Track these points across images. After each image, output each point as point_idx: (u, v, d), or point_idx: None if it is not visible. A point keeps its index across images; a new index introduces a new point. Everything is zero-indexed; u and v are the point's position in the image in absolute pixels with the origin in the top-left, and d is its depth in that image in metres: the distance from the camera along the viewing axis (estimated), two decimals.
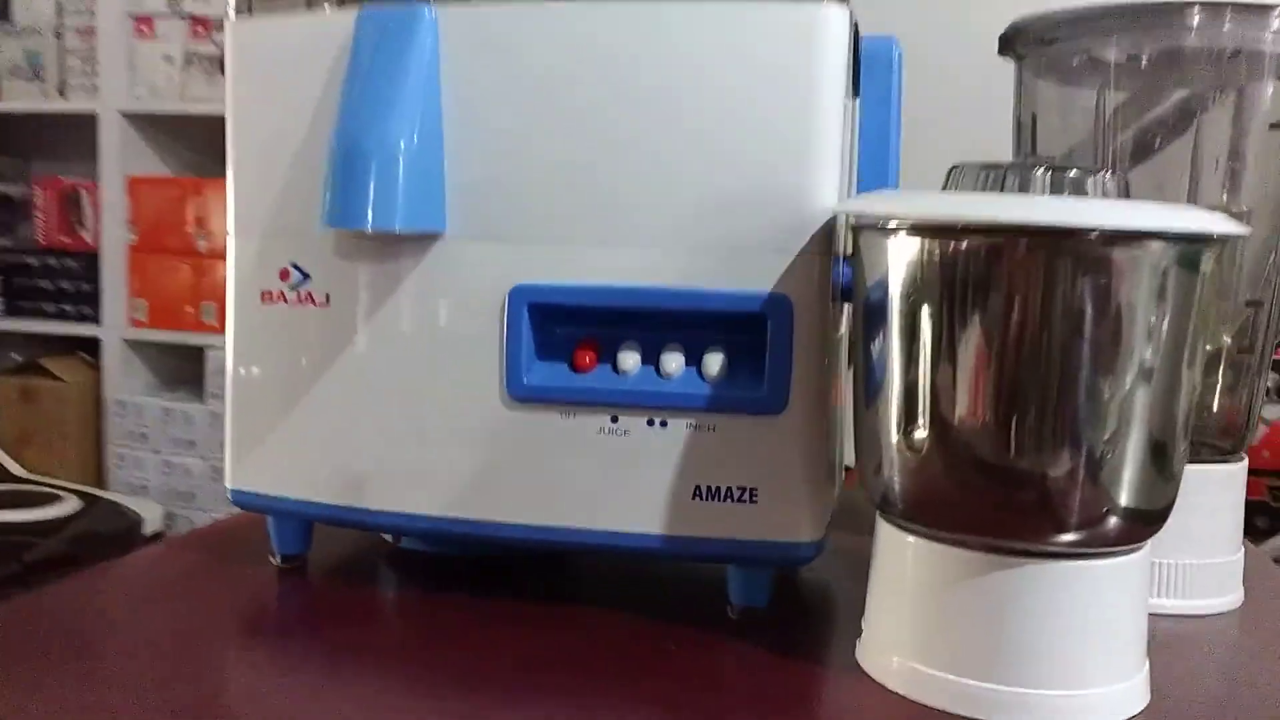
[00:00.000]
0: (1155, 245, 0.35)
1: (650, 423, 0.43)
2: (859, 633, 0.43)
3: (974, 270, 0.37)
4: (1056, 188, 0.38)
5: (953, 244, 0.37)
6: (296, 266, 0.46)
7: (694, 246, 0.43)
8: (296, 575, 0.49)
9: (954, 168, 0.42)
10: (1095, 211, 0.35)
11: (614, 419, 0.44)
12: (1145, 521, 0.37)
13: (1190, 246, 0.35)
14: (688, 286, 0.43)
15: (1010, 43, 0.53)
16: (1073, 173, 0.38)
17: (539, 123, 0.43)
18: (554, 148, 0.43)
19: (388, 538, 0.53)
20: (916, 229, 0.38)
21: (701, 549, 0.44)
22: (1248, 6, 0.47)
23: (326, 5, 0.46)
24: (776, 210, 0.42)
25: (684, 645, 0.43)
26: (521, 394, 0.44)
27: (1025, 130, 0.55)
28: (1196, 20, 0.48)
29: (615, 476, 0.44)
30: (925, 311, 0.39)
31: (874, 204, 0.40)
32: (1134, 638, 0.38)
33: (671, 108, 0.42)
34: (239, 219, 0.48)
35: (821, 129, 0.42)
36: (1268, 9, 0.47)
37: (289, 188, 0.46)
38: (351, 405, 0.46)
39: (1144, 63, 0.50)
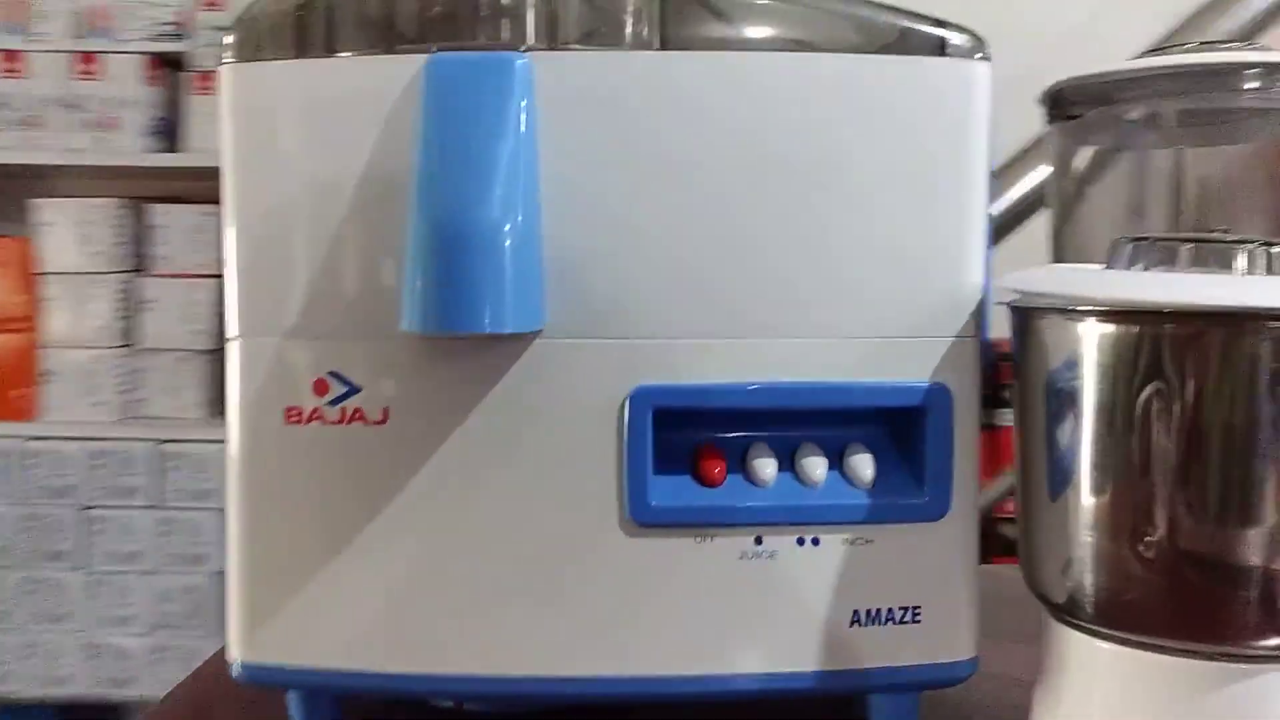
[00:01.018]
0: None
1: (800, 541, 0.37)
2: None
3: (1187, 356, 0.34)
4: (1220, 263, 0.35)
5: (1160, 329, 0.34)
6: (339, 376, 0.37)
7: (836, 335, 0.37)
8: None
9: (1118, 240, 0.38)
10: None
11: (758, 540, 0.37)
12: None
13: None
14: (834, 380, 0.37)
15: (1060, 102, 0.51)
16: (1252, 245, 0.35)
17: (652, 195, 0.37)
18: (671, 225, 0.37)
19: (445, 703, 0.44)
20: (1116, 315, 0.35)
21: (861, 681, 0.38)
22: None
23: (348, 50, 0.37)
24: (929, 290, 0.37)
25: None
26: (647, 518, 0.37)
27: (1065, 194, 0.53)
28: (1253, 81, 0.48)
29: (761, 608, 0.37)
30: (1126, 399, 0.35)
31: (1067, 286, 0.36)
32: None
33: (809, 177, 0.37)
34: (246, 316, 0.38)
35: (976, 197, 0.37)
36: None
37: (324, 279, 0.37)
38: (420, 546, 0.37)
39: (1200, 121, 0.49)
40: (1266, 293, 0.33)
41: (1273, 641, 0.34)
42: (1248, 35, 0.79)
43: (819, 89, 0.37)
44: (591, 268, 0.36)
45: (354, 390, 0.37)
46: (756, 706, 0.41)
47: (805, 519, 0.37)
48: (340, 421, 0.37)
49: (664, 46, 0.37)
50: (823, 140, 0.37)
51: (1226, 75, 0.48)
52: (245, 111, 0.37)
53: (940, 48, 0.37)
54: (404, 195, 0.36)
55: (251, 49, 0.37)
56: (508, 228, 0.34)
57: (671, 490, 0.37)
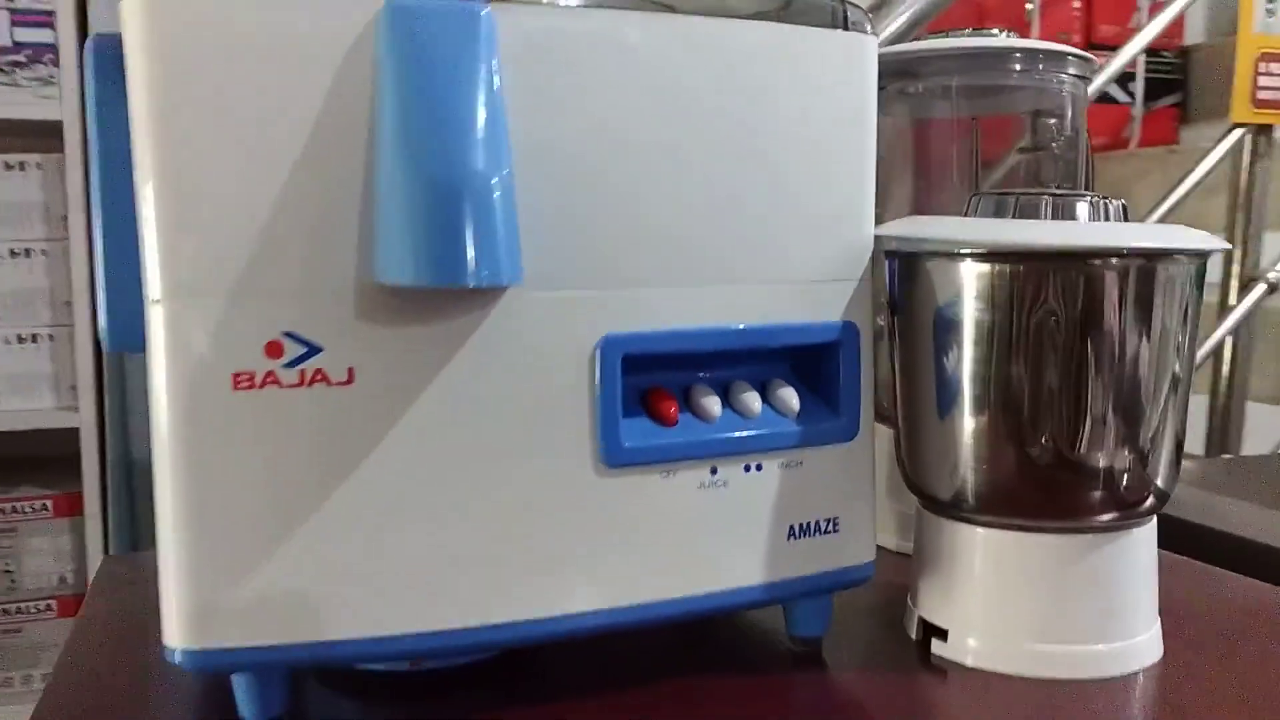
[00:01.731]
0: (1184, 260, 0.42)
1: (746, 469, 0.41)
2: (899, 632, 0.45)
3: (1045, 289, 0.41)
4: (1061, 213, 0.43)
5: (1025, 267, 0.41)
6: (296, 337, 0.35)
7: (767, 280, 0.41)
8: None
9: (973, 195, 0.45)
10: (1155, 234, 0.42)
11: (713, 470, 0.40)
12: (1165, 499, 0.45)
13: (1200, 262, 0.43)
14: (771, 323, 0.41)
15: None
16: (1086, 196, 0.44)
17: (609, 150, 0.38)
18: (627, 178, 0.38)
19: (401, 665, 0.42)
20: (992, 255, 0.41)
21: (798, 588, 0.43)
22: (1051, 53, 0.57)
23: None
24: (838, 239, 0.42)
25: (772, 685, 0.41)
26: (620, 459, 0.38)
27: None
28: (1018, 64, 0.57)
29: (716, 532, 0.41)
30: (999, 328, 0.42)
31: (952, 230, 0.42)
32: (1154, 592, 0.45)
33: (741, 133, 0.40)
34: (175, 277, 0.34)
35: (869, 158, 0.43)
36: (1062, 56, 0.57)
37: (270, 233, 0.34)
38: (394, 504, 0.36)
39: (981, 95, 0.58)
40: (1107, 234, 0.41)
41: (1110, 516, 0.43)
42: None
43: (743, 53, 0.40)
44: (555, 221, 0.37)
45: (314, 350, 0.35)
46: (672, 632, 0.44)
47: (749, 448, 0.41)
48: (300, 384, 0.35)
49: (607, 5, 0.38)
50: (746, 102, 0.40)
51: (997, 57, 0.57)
52: (166, 47, 0.34)
53: (843, 21, 0.41)
54: (358, 143, 0.35)
55: None
56: (496, 180, 0.34)
57: (640, 431, 0.39)
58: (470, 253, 0.33)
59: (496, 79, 0.35)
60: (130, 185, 0.38)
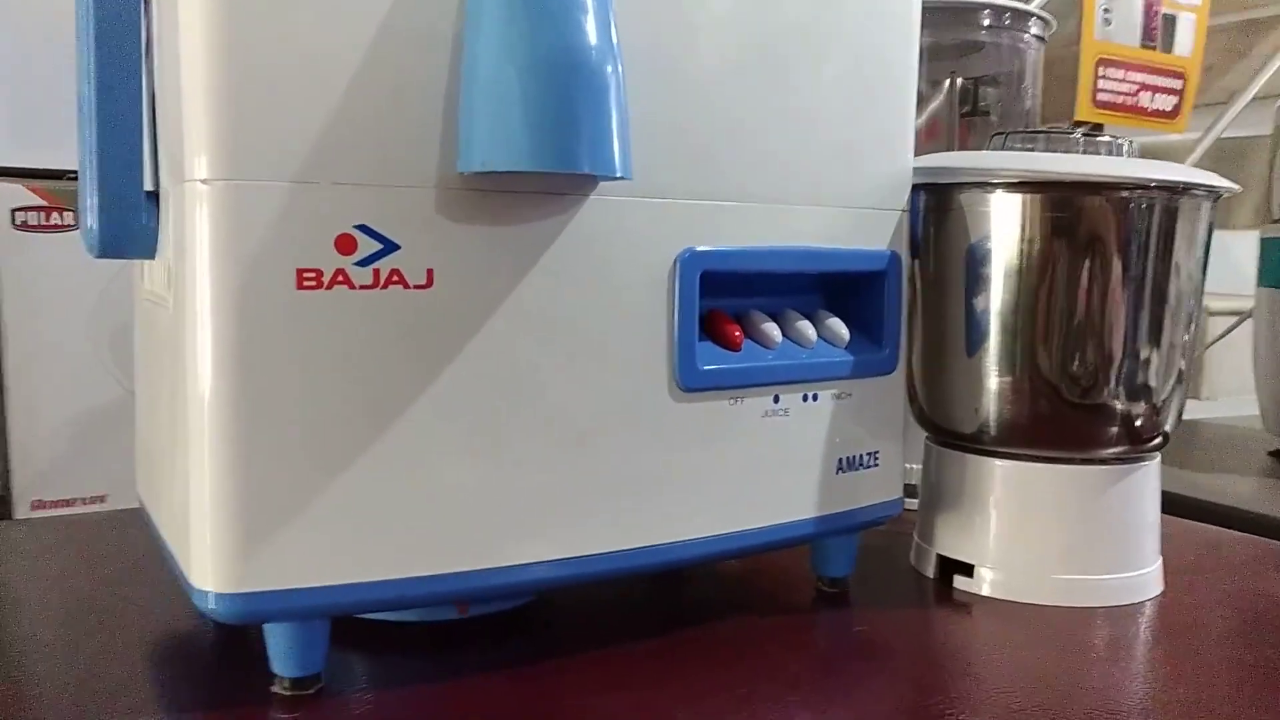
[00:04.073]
0: (1205, 197, 0.44)
1: (804, 398, 0.40)
2: (910, 570, 0.46)
3: (1078, 221, 0.42)
4: (1091, 149, 0.45)
5: (1059, 198, 0.42)
6: (370, 231, 0.31)
7: (830, 203, 0.40)
8: (315, 703, 0.33)
9: (995, 133, 0.46)
10: (1174, 170, 0.43)
11: (775, 399, 0.39)
12: (1168, 436, 0.47)
13: (1214, 199, 0.45)
14: (832, 246, 0.40)
15: None
16: (1103, 137, 0.45)
17: (697, 60, 0.36)
18: (711, 88, 0.36)
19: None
20: (1027, 186, 0.42)
21: (844, 522, 0.42)
22: (1018, 11, 0.59)
23: None
24: (886, 165, 0.42)
25: (808, 625, 0.41)
26: (695, 383, 0.36)
27: None
28: (986, 19, 0.59)
29: (775, 463, 0.39)
30: (1031, 261, 0.43)
31: (993, 162, 0.43)
32: (1158, 525, 0.47)
33: (810, 55, 0.39)
34: (232, 155, 0.30)
35: (912, 93, 0.42)
36: (1027, 15, 0.59)
37: (349, 109, 0.30)
38: (469, 424, 0.33)
39: (959, 52, 0.59)
40: (1138, 168, 0.42)
41: (1123, 448, 0.44)
42: None
43: None
44: (641, 125, 0.35)
45: (392, 247, 0.31)
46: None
47: (807, 376, 0.40)
48: (373, 285, 0.31)
49: None
50: (813, 24, 0.39)
51: (967, 13, 0.58)
52: None
53: None
54: (447, 21, 0.31)
55: None
56: (610, 70, 0.31)
57: (711, 356, 0.37)
58: (585, 139, 0.30)
59: None
60: (132, 59, 0.33)
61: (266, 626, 0.32)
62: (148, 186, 0.35)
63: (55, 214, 1.16)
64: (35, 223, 1.18)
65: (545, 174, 0.31)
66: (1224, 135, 1.04)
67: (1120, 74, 1.46)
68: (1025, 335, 0.43)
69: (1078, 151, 0.44)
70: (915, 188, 0.44)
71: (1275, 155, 0.85)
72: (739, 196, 0.37)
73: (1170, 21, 1.53)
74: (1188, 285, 0.44)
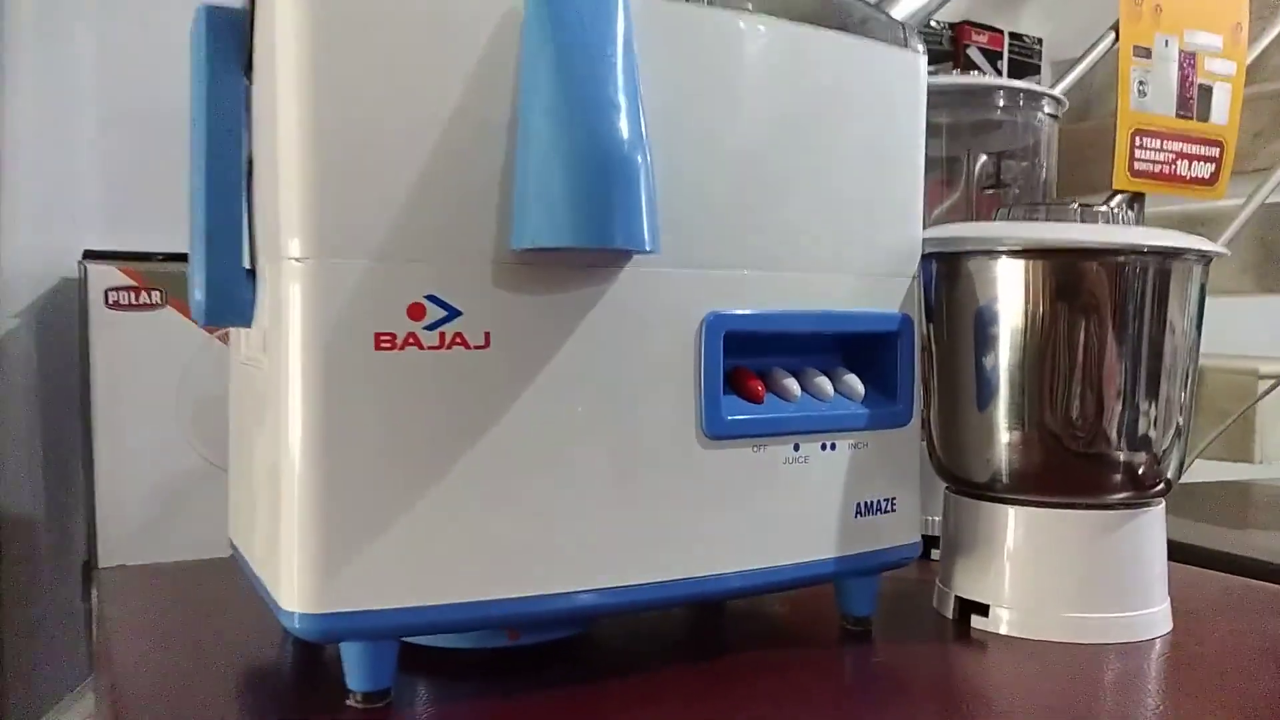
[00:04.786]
0: (1196, 260, 0.48)
1: (823, 447, 0.44)
2: (932, 613, 0.49)
3: (1078, 285, 0.46)
4: (1089, 218, 0.49)
5: (1060, 263, 0.46)
6: (438, 300, 0.36)
7: (846, 270, 0.44)
8: (384, 715, 0.37)
9: (1000, 209, 0.50)
10: (1167, 236, 0.47)
11: (795, 447, 0.43)
12: (1170, 484, 0.50)
13: (1205, 263, 0.49)
14: (848, 309, 0.44)
15: None
16: (1100, 206, 0.49)
17: (716, 138, 0.41)
18: (736, 168, 0.41)
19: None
20: (1030, 253, 0.46)
21: (862, 564, 0.45)
22: (1031, 92, 0.64)
23: None
24: (896, 235, 0.46)
25: (832, 661, 0.44)
26: (721, 431, 0.41)
27: None
28: (1001, 100, 0.64)
29: (796, 505, 0.43)
30: (1035, 322, 0.47)
31: (997, 231, 0.47)
32: (1165, 567, 0.50)
33: (826, 134, 0.44)
34: (322, 237, 0.35)
35: (920, 162, 0.47)
36: (1039, 95, 0.64)
37: (417, 200, 0.36)
38: (521, 467, 0.37)
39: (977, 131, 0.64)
40: (1131, 235, 0.46)
41: (1128, 494, 0.48)
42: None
43: (831, 60, 0.43)
44: (678, 203, 0.40)
45: (455, 314, 0.36)
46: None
47: (825, 427, 0.44)
48: (440, 347, 0.36)
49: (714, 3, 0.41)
50: (830, 104, 0.44)
51: (984, 94, 0.63)
52: (326, 14, 0.35)
53: (904, 40, 0.46)
54: (502, 116, 0.36)
55: None
56: (641, 157, 0.36)
57: (735, 407, 0.41)
58: (619, 219, 0.35)
59: (632, 60, 0.37)
60: (235, 157, 0.39)
61: (343, 645, 0.37)
62: (246, 265, 0.41)
63: (144, 293, 1.25)
64: (126, 302, 1.27)
65: (585, 249, 0.36)
66: (1270, 200, 1.06)
67: (1157, 143, 1.50)
68: (1032, 391, 0.47)
69: (1076, 220, 0.48)
70: (928, 256, 0.49)
71: None
72: (759, 265, 0.42)
73: (1206, 91, 1.57)
74: (1182, 343, 0.48)
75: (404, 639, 0.38)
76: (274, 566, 0.37)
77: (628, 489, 0.39)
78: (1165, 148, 1.53)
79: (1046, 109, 0.64)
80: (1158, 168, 1.53)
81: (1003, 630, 0.48)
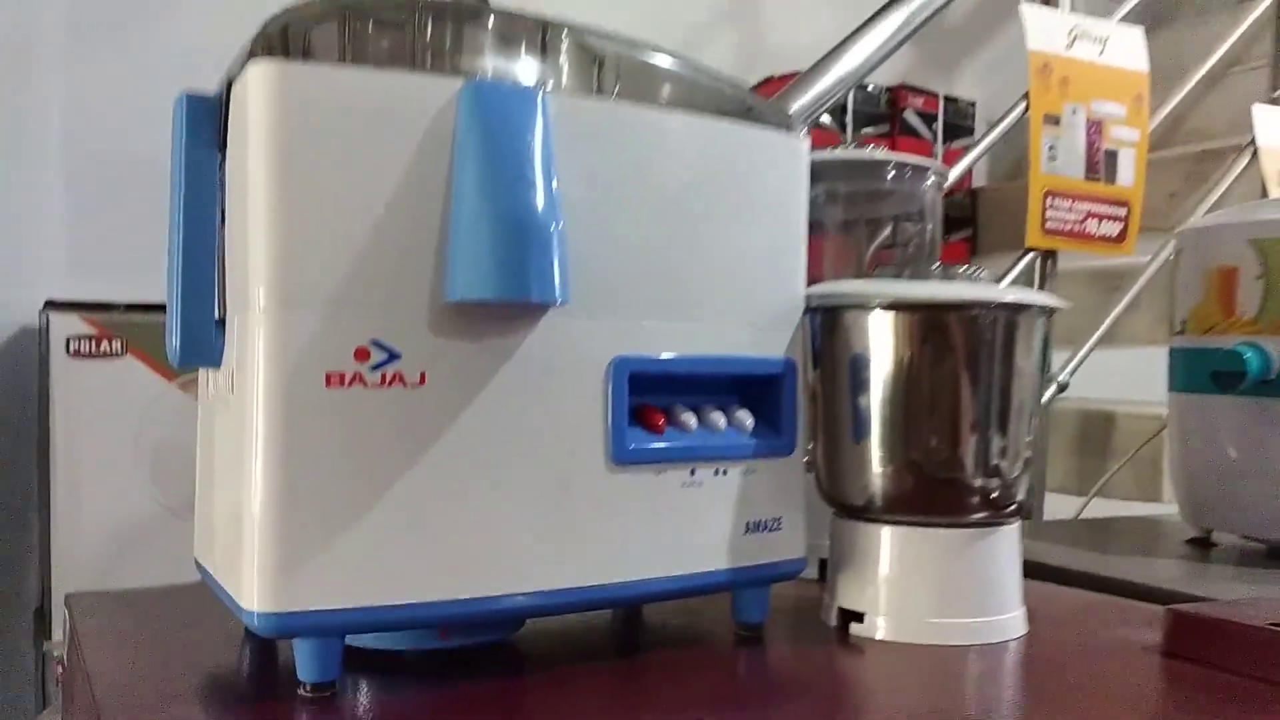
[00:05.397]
0: (1038, 313, 0.56)
1: (716, 472, 0.51)
2: (818, 622, 0.56)
3: (937, 334, 0.54)
4: (950, 277, 0.57)
5: (922, 316, 0.54)
6: (380, 344, 0.43)
7: (736, 321, 0.52)
8: (330, 704, 0.43)
9: (879, 266, 0.58)
10: (1011, 292, 0.55)
11: (692, 472, 0.50)
12: (1022, 506, 0.57)
13: (1047, 317, 0.57)
14: (738, 354, 0.52)
15: None
16: (961, 268, 0.57)
17: (622, 211, 0.48)
18: (635, 234, 0.49)
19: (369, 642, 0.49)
20: (897, 307, 0.54)
21: (752, 575, 0.52)
22: (917, 165, 0.72)
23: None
24: (781, 292, 0.54)
25: (726, 662, 0.51)
26: (626, 458, 0.48)
27: None
28: (891, 171, 0.72)
29: (693, 522, 0.50)
30: (900, 367, 0.54)
31: (868, 288, 0.55)
32: (1019, 578, 0.58)
33: (717, 205, 0.51)
34: (281, 291, 0.42)
35: (802, 230, 0.55)
36: (925, 168, 0.72)
37: (368, 257, 0.43)
38: (451, 488, 0.44)
39: (865, 199, 0.72)
40: (982, 291, 0.54)
41: (984, 514, 0.55)
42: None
43: (721, 144, 0.51)
44: (586, 264, 0.47)
45: (395, 356, 0.43)
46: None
47: (719, 456, 0.51)
48: (382, 384, 0.43)
49: (620, 98, 0.49)
50: (720, 179, 0.51)
51: (876, 167, 0.72)
52: (290, 110, 0.42)
53: (787, 126, 0.54)
54: (438, 190, 0.44)
55: (299, 52, 0.42)
56: (553, 225, 0.44)
57: (637, 437, 0.48)
58: (534, 276, 0.42)
59: (548, 148, 0.45)
60: (210, 224, 0.46)
61: (295, 641, 0.43)
62: (217, 315, 0.47)
63: (105, 342, 1.30)
64: (87, 350, 1.32)
65: (507, 301, 0.43)
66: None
67: (1067, 203, 1.61)
68: (899, 426, 0.55)
69: (937, 279, 0.56)
70: (812, 309, 0.56)
71: (1174, 275, 0.97)
72: (660, 317, 0.49)
73: (1112, 156, 1.69)
74: (1028, 384, 0.56)
75: (348, 640, 0.44)
76: (237, 574, 0.43)
77: (547, 507, 0.46)
78: (1075, 208, 1.65)
79: (930, 179, 0.72)
80: (1069, 226, 1.65)
81: (878, 635, 0.54)
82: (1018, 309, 0.54)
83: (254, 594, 0.41)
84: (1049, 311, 0.56)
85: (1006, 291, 0.55)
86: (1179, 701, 0.48)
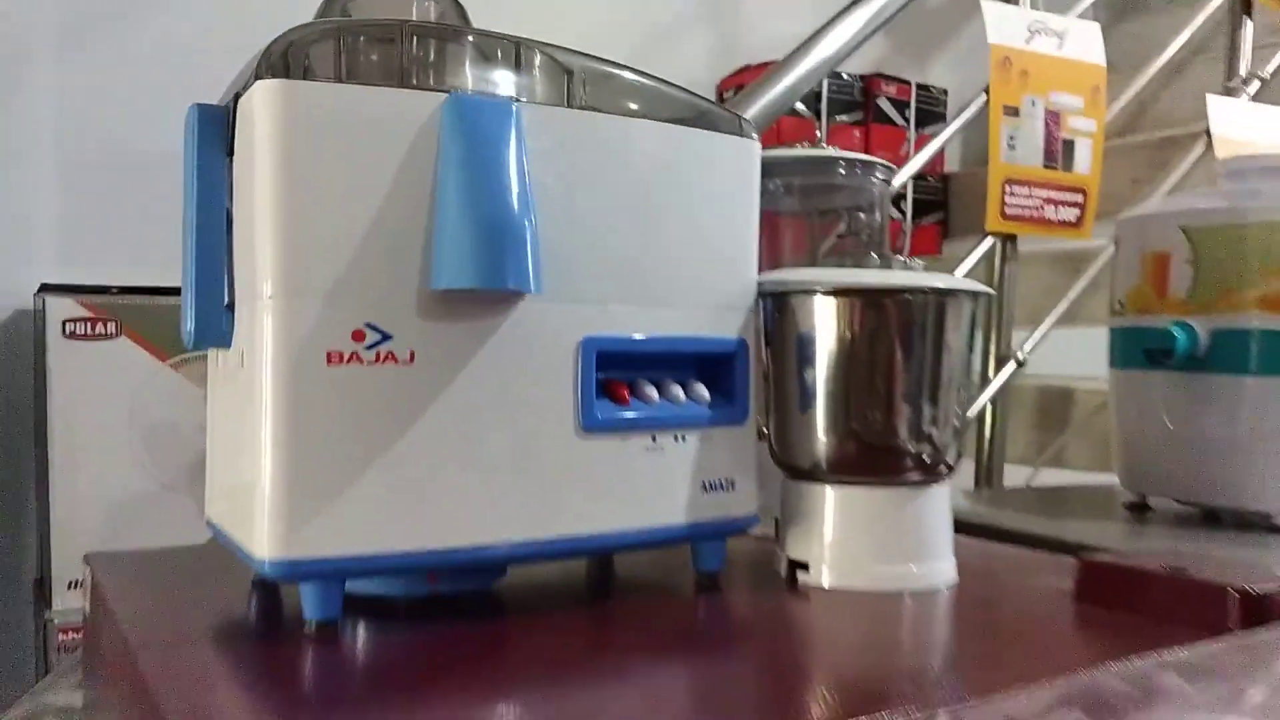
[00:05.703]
0: (966, 297, 0.62)
1: (675, 439, 0.57)
2: (770, 572, 0.62)
3: (873, 316, 0.60)
4: (887, 265, 0.63)
5: (860, 300, 0.60)
6: (374, 327, 0.49)
7: (693, 305, 0.58)
8: (332, 640, 0.50)
9: (827, 255, 0.64)
10: (940, 279, 0.61)
11: (653, 438, 0.56)
12: (951, 468, 0.64)
13: (974, 302, 0.63)
14: (691, 334, 0.58)
15: None
16: (899, 257, 0.64)
17: (590, 208, 0.54)
18: (601, 228, 0.55)
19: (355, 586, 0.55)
20: (838, 292, 0.60)
21: (709, 529, 0.59)
22: (866, 162, 0.78)
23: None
24: (735, 277, 0.60)
25: (687, 606, 0.57)
26: (594, 425, 0.54)
27: None
28: (841, 168, 0.78)
29: (654, 483, 0.56)
30: (840, 345, 0.61)
31: (812, 276, 0.61)
32: (950, 531, 0.64)
33: (675, 202, 0.57)
34: (287, 280, 0.48)
35: (754, 222, 0.61)
36: (873, 164, 0.79)
37: (362, 251, 0.49)
38: (438, 452, 0.50)
39: (813, 192, 0.78)
40: (915, 278, 0.61)
41: (919, 475, 0.62)
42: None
43: (677, 148, 0.57)
44: (558, 256, 0.53)
45: (387, 337, 0.49)
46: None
47: (677, 424, 0.57)
48: (376, 362, 0.49)
49: (587, 107, 0.55)
50: (678, 180, 0.57)
51: (828, 162, 0.78)
52: (294, 121, 0.48)
53: (740, 130, 0.60)
54: (424, 191, 0.49)
55: (300, 71, 0.48)
56: (527, 221, 0.49)
57: (604, 408, 0.55)
58: (510, 266, 0.48)
59: (520, 153, 0.51)
60: (220, 221, 0.51)
61: (301, 585, 0.49)
62: (226, 302, 0.53)
63: (101, 324, 1.35)
64: (82, 332, 1.37)
65: (486, 289, 0.49)
66: None
67: (1026, 190, 1.68)
68: (841, 398, 0.61)
69: (876, 267, 0.62)
70: (764, 294, 0.62)
71: (1115, 258, 1.04)
72: (625, 300, 0.55)
73: (1070, 146, 1.75)
74: (958, 360, 0.62)
75: (347, 587, 0.50)
76: (249, 527, 0.49)
77: (524, 468, 0.52)
78: (1034, 194, 1.71)
79: (878, 175, 0.78)
80: (1027, 212, 1.71)
81: (823, 583, 0.61)
82: (946, 294, 0.61)
83: (265, 544, 0.47)
84: (975, 296, 0.62)
85: (935, 278, 0.61)
86: (1086, 638, 0.54)
